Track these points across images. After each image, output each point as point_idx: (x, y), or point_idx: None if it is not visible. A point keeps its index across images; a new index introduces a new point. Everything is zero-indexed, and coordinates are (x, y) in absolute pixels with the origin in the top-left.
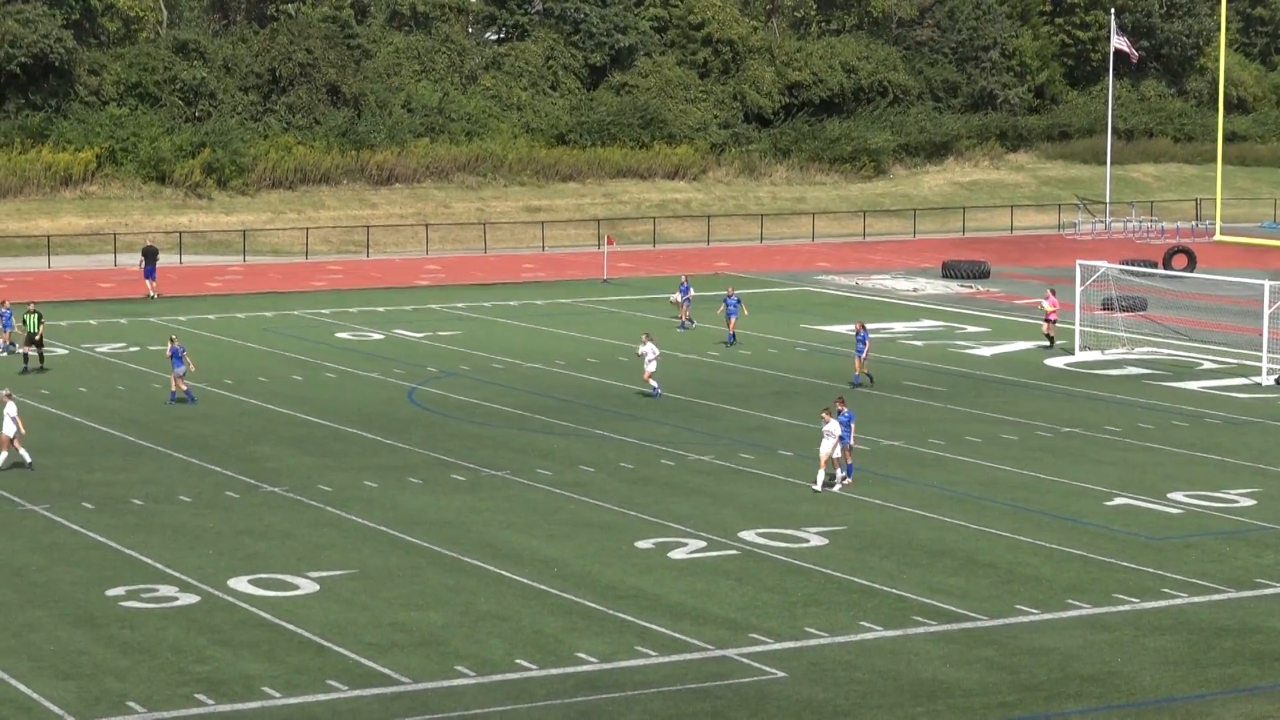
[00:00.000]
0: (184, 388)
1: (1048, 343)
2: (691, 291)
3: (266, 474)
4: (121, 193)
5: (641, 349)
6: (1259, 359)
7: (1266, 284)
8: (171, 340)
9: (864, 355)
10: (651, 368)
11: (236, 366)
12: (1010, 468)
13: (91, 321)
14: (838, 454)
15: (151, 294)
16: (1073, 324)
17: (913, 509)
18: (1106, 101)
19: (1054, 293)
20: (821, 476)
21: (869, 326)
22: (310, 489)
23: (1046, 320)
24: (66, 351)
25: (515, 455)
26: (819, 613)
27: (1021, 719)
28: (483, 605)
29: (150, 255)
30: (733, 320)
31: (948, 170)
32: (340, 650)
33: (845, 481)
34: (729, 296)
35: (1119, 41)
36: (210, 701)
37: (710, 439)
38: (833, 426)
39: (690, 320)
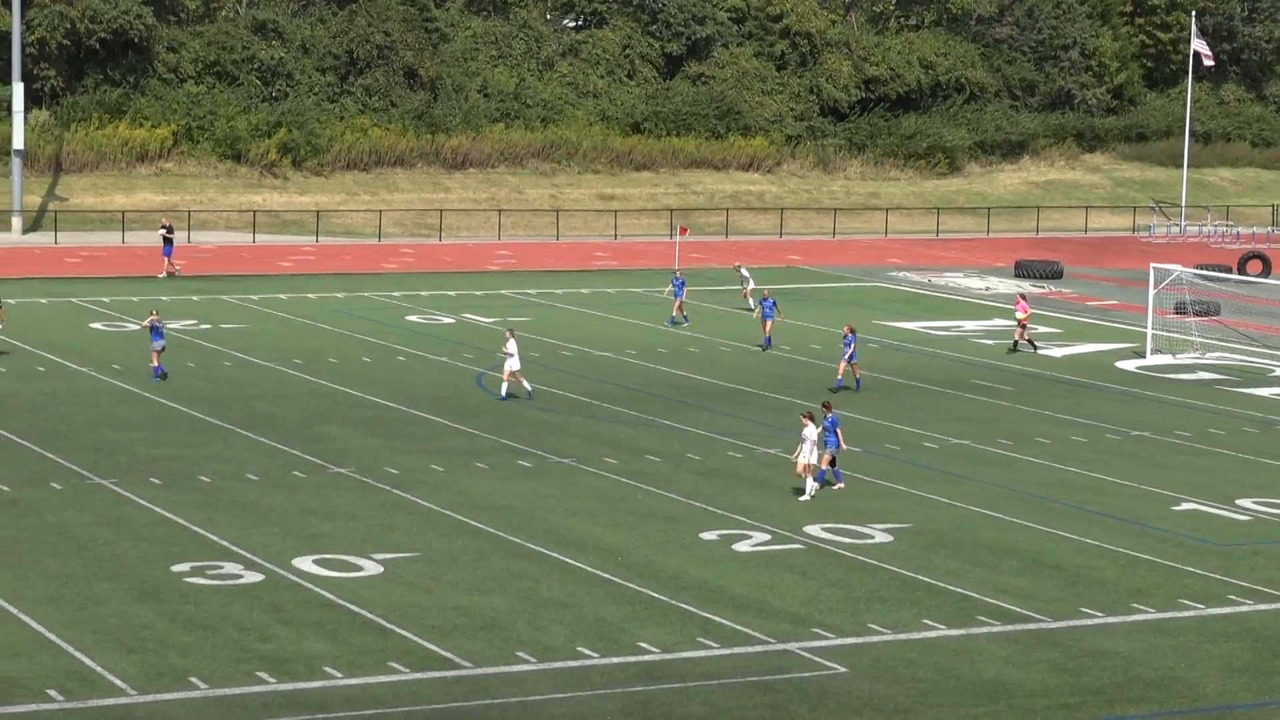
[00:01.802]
0: (156, 362)
1: (1018, 347)
2: (685, 287)
3: (334, 455)
4: (197, 170)
5: (506, 347)
6: None
7: None
8: (153, 314)
9: (852, 359)
10: (514, 365)
11: (307, 347)
12: (1078, 469)
13: (164, 298)
14: (814, 460)
15: (163, 274)
16: (1141, 327)
17: (979, 508)
18: (1185, 104)
19: (1024, 298)
20: (809, 485)
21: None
22: (377, 471)
23: (1020, 326)
24: (138, 327)
25: (582, 443)
26: (882, 609)
27: None
28: (545, 592)
29: (169, 230)
30: (769, 323)
31: (1023, 169)
32: (402, 632)
33: (837, 486)
34: (765, 299)
35: (1198, 44)
36: (272, 680)
37: (778, 432)
38: (809, 431)
39: (685, 317)
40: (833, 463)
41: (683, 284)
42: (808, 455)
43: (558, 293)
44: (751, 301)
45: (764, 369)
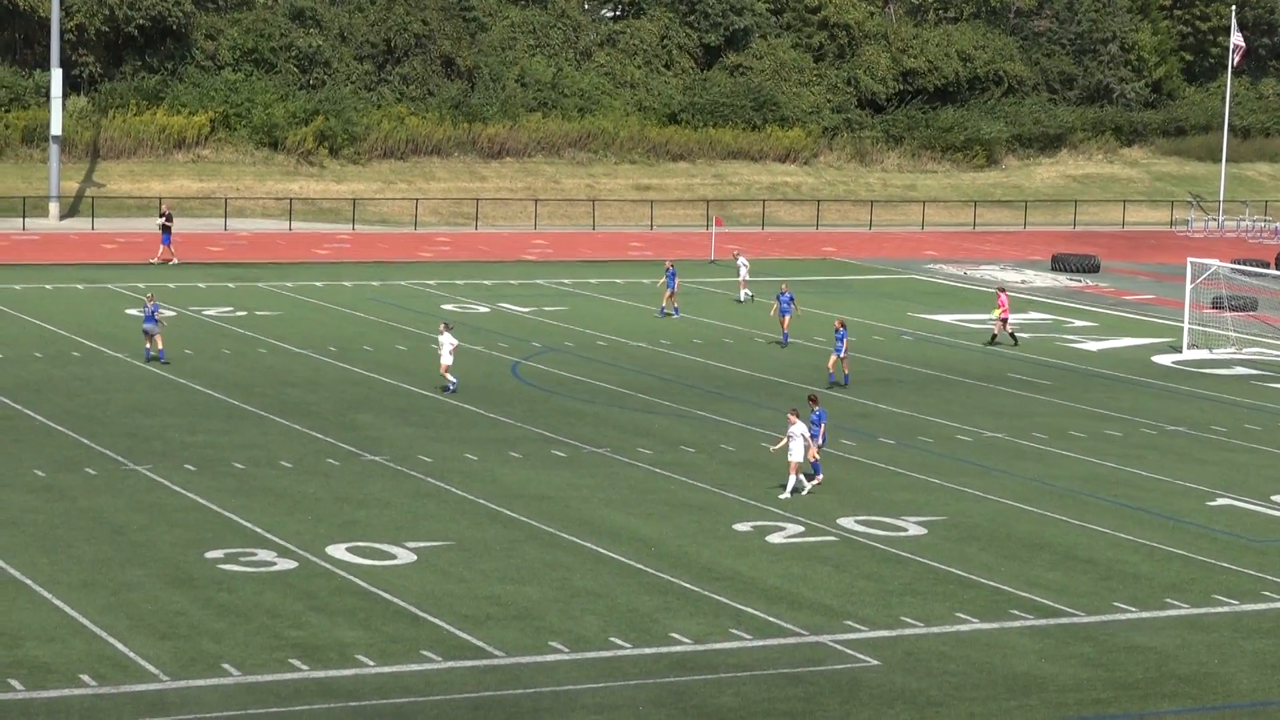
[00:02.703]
0: (159, 346)
1: (995, 342)
2: (678, 279)
3: (368, 442)
4: (234, 158)
5: (440, 338)
6: None
7: None
8: (149, 299)
9: (843, 353)
10: (448, 360)
11: (342, 334)
12: (1113, 464)
13: (200, 285)
14: (802, 457)
15: (154, 260)
16: (1178, 321)
17: (1013, 502)
18: (1224, 98)
19: (1003, 291)
20: (792, 482)
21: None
22: (411, 459)
23: (1000, 321)
24: (174, 314)
25: (616, 433)
26: (915, 602)
27: (1116, 717)
28: (579, 581)
29: (167, 218)
30: (786, 319)
31: (1061, 163)
32: (435, 621)
33: (816, 480)
34: (782, 293)
35: (1237, 38)
36: (305, 667)
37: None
38: (799, 428)
39: (675, 309)
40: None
41: (674, 275)
42: (798, 453)
43: (593, 283)
44: (743, 293)
45: (799, 360)
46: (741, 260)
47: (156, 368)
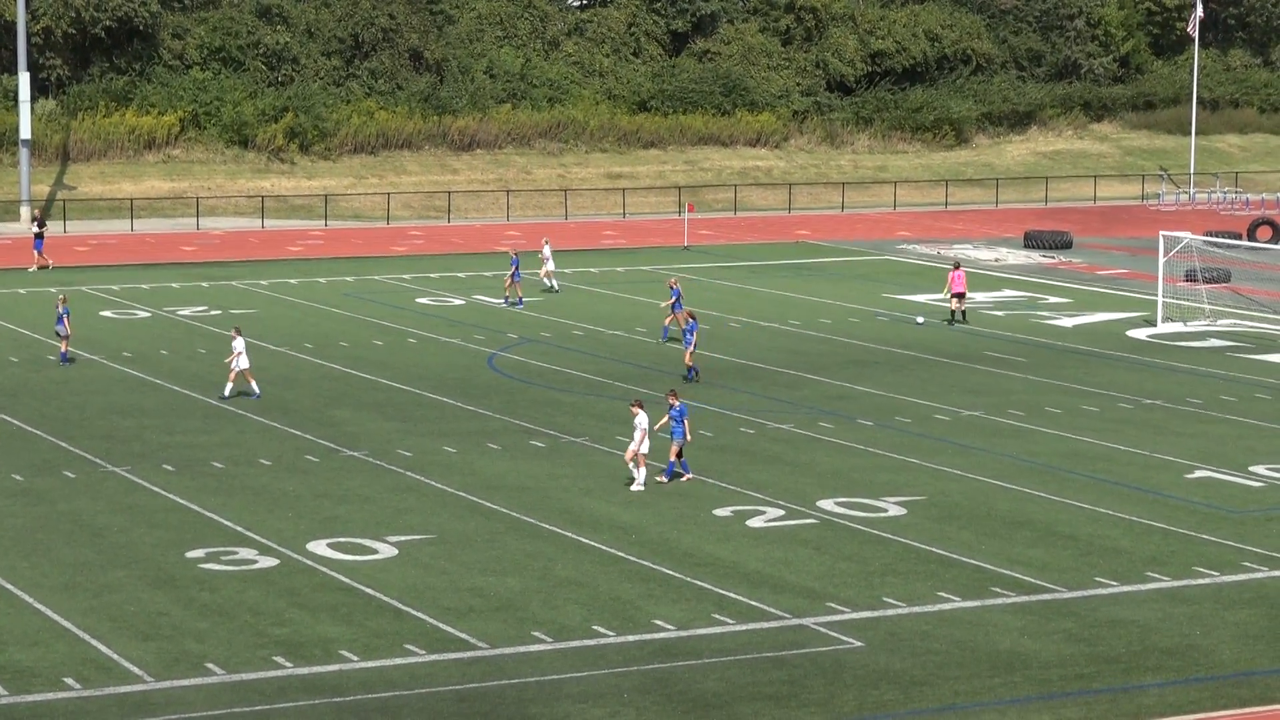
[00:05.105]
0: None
1: (955, 319)
2: (519, 266)
3: (346, 438)
4: (204, 156)
5: (233, 345)
6: None
7: None
8: (62, 301)
9: (692, 347)
10: (243, 364)
11: (317, 331)
12: (1091, 439)
13: (174, 285)
14: (645, 449)
15: (31, 266)
16: (1151, 295)
17: (992, 480)
18: (1192, 71)
19: (958, 266)
20: (638, 474)
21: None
22: (390, 454)
23: (956, 298)
24: (149, 315)
25: (595, 422)
26: (897, 582)
27: (1099, 691)
28: (560, 571)
29: (40, 224)
30: (679, 314)
31: (1031, 140)
32: (418, 615)
33: (686, 478)
34: (673, 287)
35: (1199, 9)
36: (289, 664)
37: (790, 407)
38: (641, 419)
39: (520, 299)
40: (679, 454)
41: (517, 262)
42: (638, 443)
43: (567, 272)
44: (547, 283)
45: (775, 344)
46: (546, 251)
47: (135, 369)
